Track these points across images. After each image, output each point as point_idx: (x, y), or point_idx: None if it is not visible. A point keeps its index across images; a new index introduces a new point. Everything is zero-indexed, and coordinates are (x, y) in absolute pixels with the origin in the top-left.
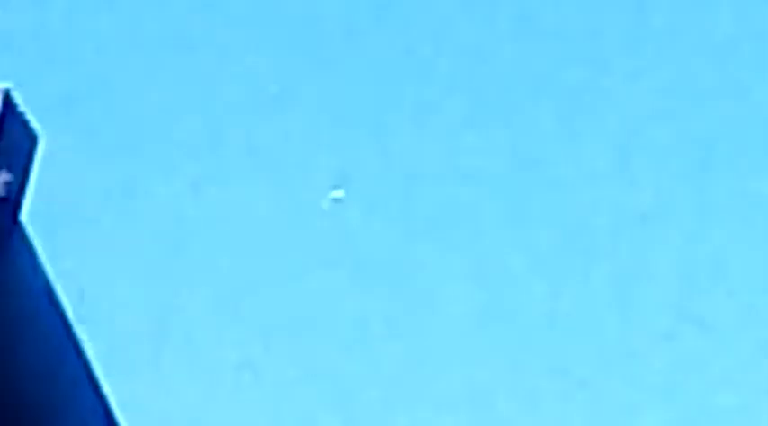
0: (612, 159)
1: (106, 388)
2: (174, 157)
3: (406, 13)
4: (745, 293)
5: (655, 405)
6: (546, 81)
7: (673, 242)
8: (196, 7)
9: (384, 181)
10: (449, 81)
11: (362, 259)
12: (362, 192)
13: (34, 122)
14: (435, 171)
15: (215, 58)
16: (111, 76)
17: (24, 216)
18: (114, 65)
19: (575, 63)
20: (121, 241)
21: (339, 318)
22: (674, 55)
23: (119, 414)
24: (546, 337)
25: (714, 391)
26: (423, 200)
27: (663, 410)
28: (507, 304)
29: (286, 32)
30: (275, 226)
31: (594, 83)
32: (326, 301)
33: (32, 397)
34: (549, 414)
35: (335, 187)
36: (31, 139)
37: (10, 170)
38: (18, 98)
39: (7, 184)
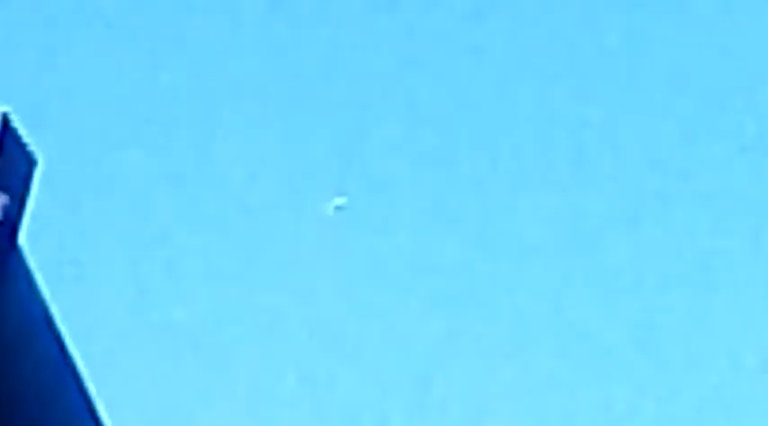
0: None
1: (102, 411)
2: (173, 172)
3: (409, 18)
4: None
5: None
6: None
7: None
8: (194, 8)
9: (386, 186)
10: (455, 89)
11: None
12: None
13: (32, 145)
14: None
15: (214, 62)
16: (111, 100)
17: (22, 239)
18: (113, 89)
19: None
20: (119, 260)
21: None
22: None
23: None
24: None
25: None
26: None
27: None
28: (507, 303)
29: (290, 36)
30: (278, 231)
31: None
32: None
33: (29, 419)
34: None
35: (338, 194)
36: (30, 162)
37: (8, 193)
38: (16, 121)
39: (5, 207)
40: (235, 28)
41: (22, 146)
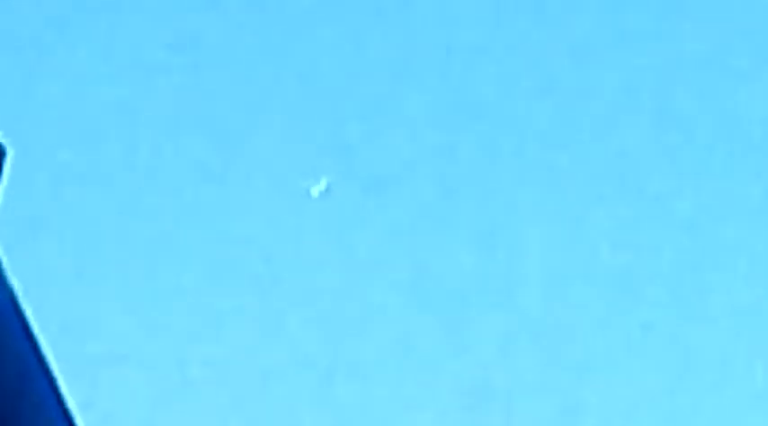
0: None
1: (71, 403)
2: (153, 159)
3: (406, 16)
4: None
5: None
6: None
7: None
8: (193, 8)
9: (373, 173)
10: (444, 79)
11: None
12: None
13: (0, 136)
14: (429, 165)
15: (209, 58)
16: (82, 91)
17: None
18: (85, 81)
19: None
20: (89, 250)
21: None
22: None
23: None
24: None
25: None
26: (418, 193)
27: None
28: (506, 297)
29: (277, 28)
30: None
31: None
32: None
33: None
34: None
35: (322, 177)
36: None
37: None
38: None
39: None
40: (226, 22)
41: None
